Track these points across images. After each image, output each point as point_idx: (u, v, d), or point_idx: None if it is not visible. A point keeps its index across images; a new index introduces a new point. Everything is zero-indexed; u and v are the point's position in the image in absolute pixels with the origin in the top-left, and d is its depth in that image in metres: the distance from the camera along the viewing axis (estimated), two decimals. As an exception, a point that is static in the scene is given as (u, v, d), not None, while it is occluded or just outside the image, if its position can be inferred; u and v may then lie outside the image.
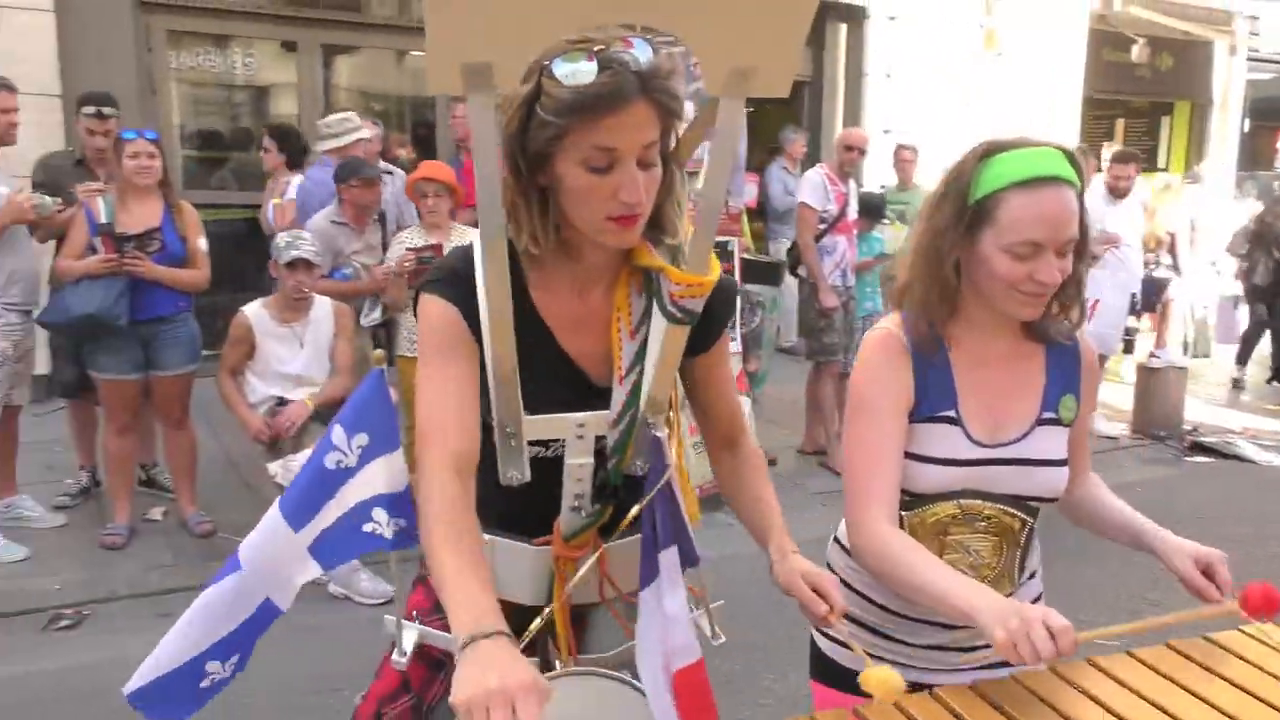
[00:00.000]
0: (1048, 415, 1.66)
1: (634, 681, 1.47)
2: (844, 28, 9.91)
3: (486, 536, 1.52)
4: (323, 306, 4.44)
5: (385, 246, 5.12)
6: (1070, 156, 1.54)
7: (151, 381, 4.52)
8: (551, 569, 1.59)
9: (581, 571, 1.56)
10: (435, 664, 1.65)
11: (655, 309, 1.50)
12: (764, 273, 5.64)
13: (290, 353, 4.35)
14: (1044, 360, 1.69)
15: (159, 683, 1.66)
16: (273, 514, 1.62)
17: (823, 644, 1.81)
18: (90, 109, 4.68)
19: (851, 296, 5.83)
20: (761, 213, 8.56)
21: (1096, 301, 6.52)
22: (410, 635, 1.60)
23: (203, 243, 4.52)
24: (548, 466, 1.53)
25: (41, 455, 5.29)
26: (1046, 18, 10.47)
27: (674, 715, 1.42)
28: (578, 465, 1.54)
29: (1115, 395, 7.40)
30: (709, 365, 1.63)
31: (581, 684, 1.43)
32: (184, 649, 1.66)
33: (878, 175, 8.50)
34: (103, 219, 4.24)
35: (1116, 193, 6.68)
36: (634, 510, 1.52)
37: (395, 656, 1.58)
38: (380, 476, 1.61)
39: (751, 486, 1.67)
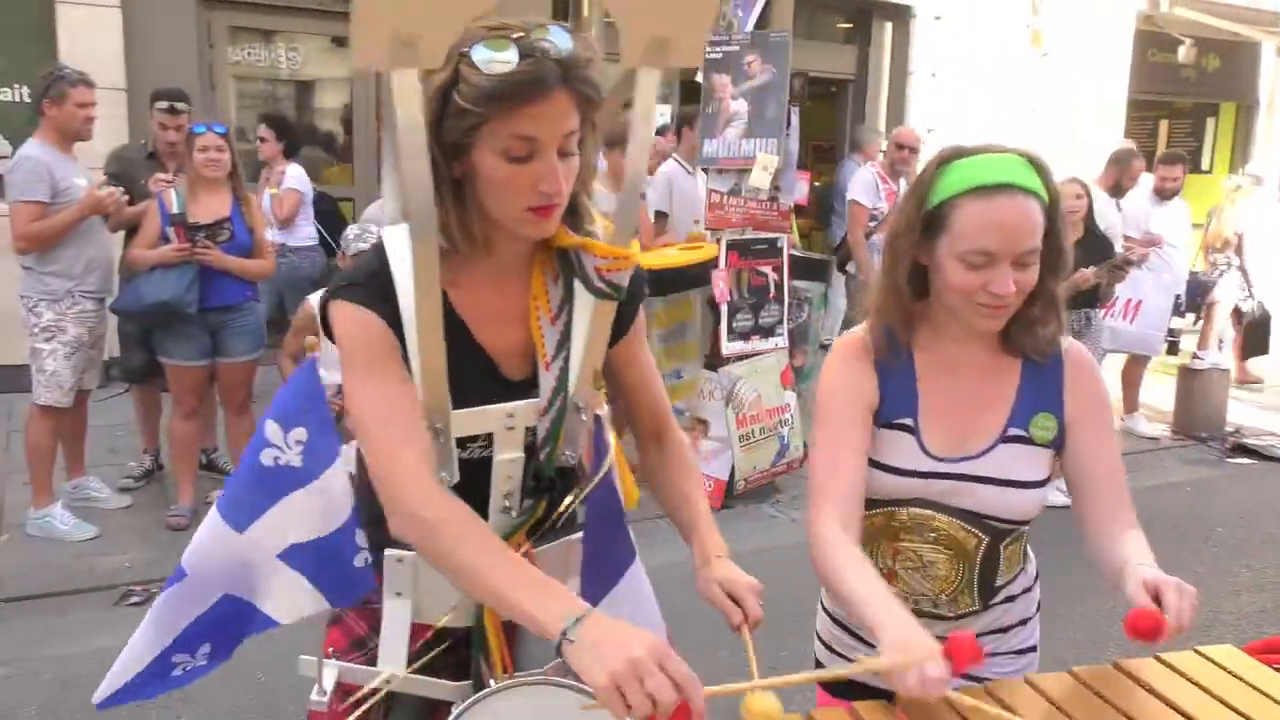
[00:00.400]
0: (1015, 432, 1.59)
1: (584, 686, 1.33)
2: (889, 27, 9.94)
3: (408, 555, 1.49)
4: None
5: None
6: (1036, 165, 1.50)
7: (217, 368, 4.67)
8: None
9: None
10: (356, 702, 1.54)
11: (579, 289, 1.46)
12: (812, 269, 5.70)
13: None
14: (1019, 374, 1.62)
15: (130, 685, 1.62)
16: (212, 515, 1.54)
17: (822, 656, 1.81)
18: (164, 104, 4.85)
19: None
20: (823, 209, 8.62)
21: (1140, 302, 6.55)
22: (330, 674, 1.53)
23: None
24: (474, 469, 1.48)
25: (105, 439, 5.46)
26: (1093, 18, 10.43)
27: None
28: (508, 461, 1.48)
29: (1157, 396, 7.39)
30: (628, 352, 1.59)
31: (531, 694, 1.33)
32: (145, 652, 1.61)
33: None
34: (174, 209, 4.41)
35: (1163, 194, 6.69)
36: (568, 500, 1.48)
37: (314, 696, 1.50)
38: (339, 492, 1.54)
39: (678, 483, 1.61)
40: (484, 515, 1.46)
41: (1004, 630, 1.71)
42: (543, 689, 1.33)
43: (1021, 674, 1.59)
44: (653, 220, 5.61)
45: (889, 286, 1.58)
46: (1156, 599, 1.40)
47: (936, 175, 1.52)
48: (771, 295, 5.31)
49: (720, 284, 5.08)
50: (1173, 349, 8.11)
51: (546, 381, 1.46)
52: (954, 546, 1.60)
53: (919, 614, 1.57)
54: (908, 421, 1.60)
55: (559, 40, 1.29)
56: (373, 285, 1.39)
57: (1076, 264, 5.12)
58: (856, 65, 9.93)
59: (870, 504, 1.61)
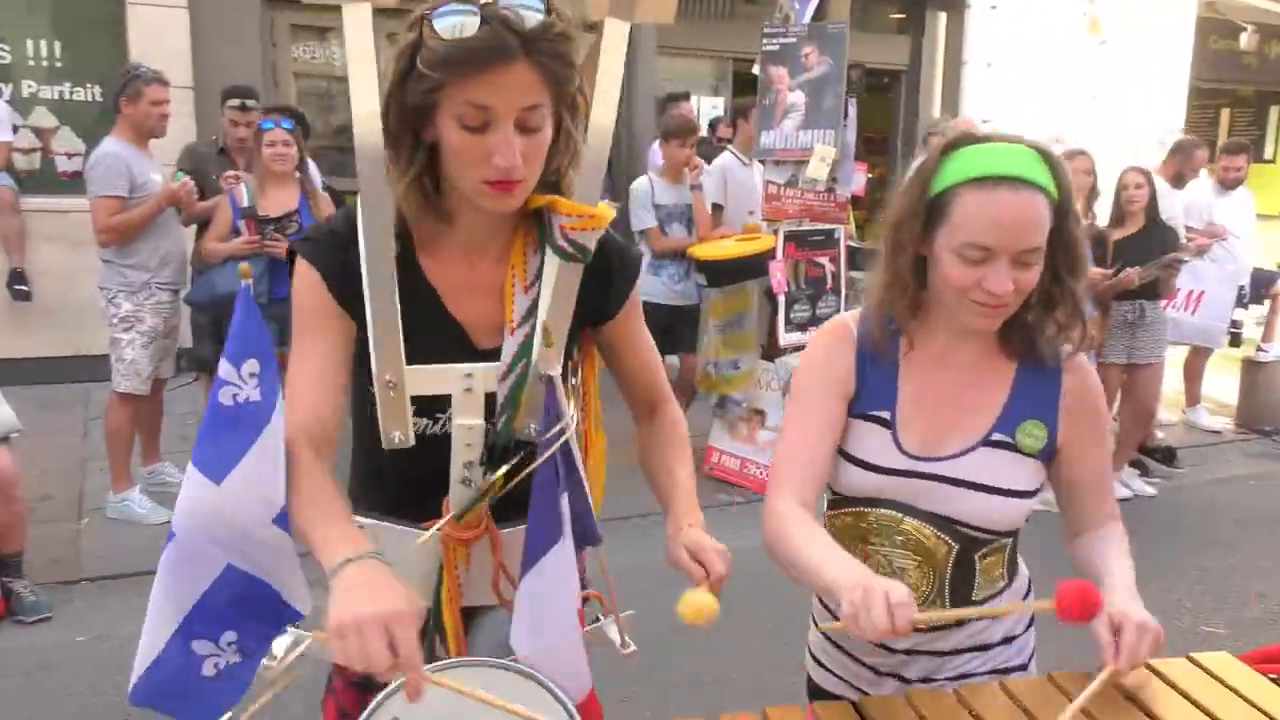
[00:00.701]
0: (998, 437, 1.51)
1: (526, 667, 1.33)
2: (944, 16, 9.86)
3: (369, 522, 1.48)
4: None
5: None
6: (1047, 159, 1.42)
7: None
8: (441, 560, 1.49)
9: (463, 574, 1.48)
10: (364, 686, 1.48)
11: (548, 251, 1.44)
12: (870, 260, 5.69)
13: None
14: (1012, 378, 1.54)
15: (156, 676, 1.47)
16: (189, 470, 1.44)
17: (814, 674, 1.75)
18: (235, 102, 4.99)
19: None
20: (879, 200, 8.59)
21: (1202, 293, 6.46)
22: (284, 641, 1.43)
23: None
24: (435, 443, 1.46)
25: (176, 426, 5.61)
26: (1153, 5, 10.27)
27: (585, 671, 1.38)
28: (467, 427, 1.45)
29: (1220, 389, 7.28)
30: (620, 332, 1.57)
31: (472, 675, 1.29)
32: (160, 630, 1.47)
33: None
34: (245, 203, 4.55)
35: (1226, 184, 6.59)
36: (526, 470, 1.43)
37: (264, 660, 1.42)
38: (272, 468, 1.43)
39: (663, 457, 1.58)
40: (444, 489, 1.47)
41: (985, 648, 1.62)
42: (495, 671, 1.31)
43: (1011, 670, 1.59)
44: (709, 212, 5.64)
45: (892, 275, 1.50)
46: (1117, 634, 1.36)
47: (941, 162, 1.44)
48: (829, 286, 5.33)
49: (777, 275, 5.10)
50: (1235, 341, 7.98)
51: (509, 347, 1.44)
52: (922, 553, 1.52)
53: None
54: (884, 415, 1.53)
55: (527, 10, 1.25)
56: (326, 242, 1.41)
57: (1139, 253, 5.13)
58: (910, 56, 9.87)
59: (841, 502, 1.58)
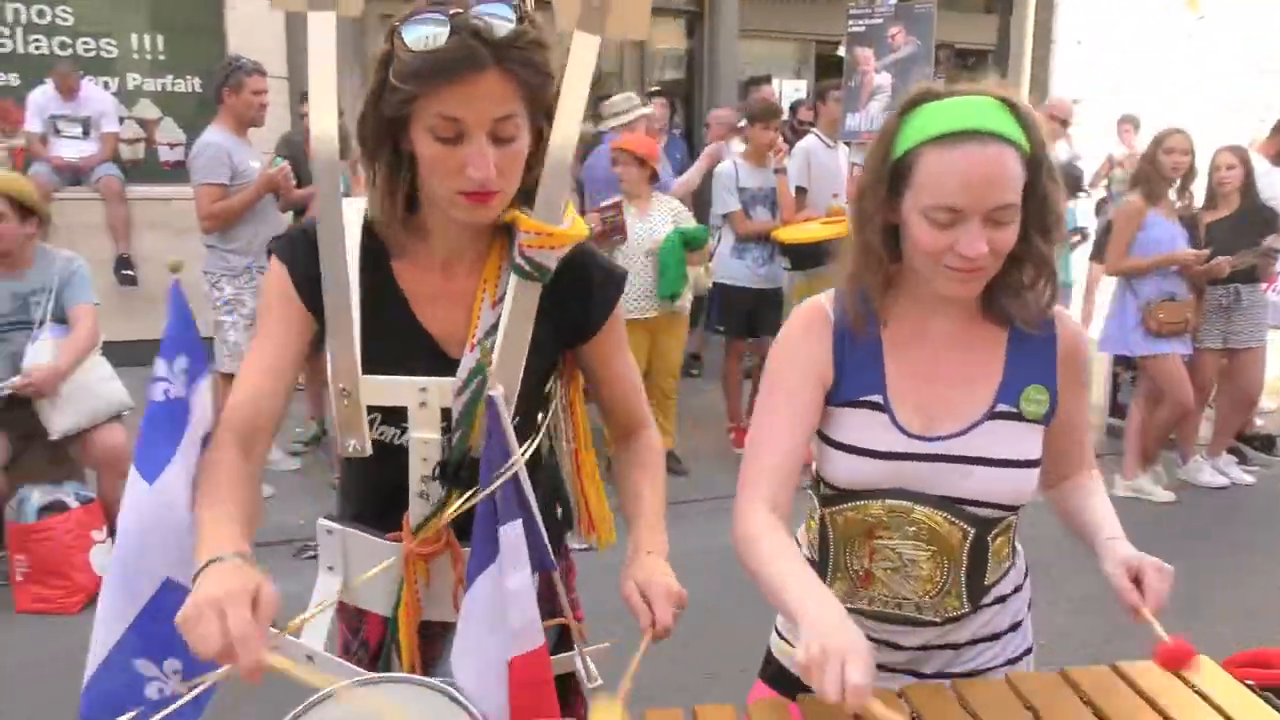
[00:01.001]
0: (1003, 408, 1.43)
1: (451, 689, 1.26)
2: (1032, -6, 9.66)
3: (336, 528, 1.48)
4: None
5: (583, 212, 5.41)
6: (1015, 110, 1.32)
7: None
8: (401, 574, 1.47)
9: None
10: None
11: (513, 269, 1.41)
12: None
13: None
14: (1005, 346, 1.46)
15: (101, 688, 1.40)
16: (130, 471, 1.39)
17: (776, 647, 1.65)
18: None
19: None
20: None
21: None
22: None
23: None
24: (396, 453, 1.45)
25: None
26: (1254, -23, 9.90)
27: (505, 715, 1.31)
28: (423, 440, 1.43)
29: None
30: (599, 353, 1.52)
31: (396, 691, 1.25)
32: (103, 641, 1.41)
33: (1099, 146, 8.25)
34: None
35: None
36: (464, 498, 1.41)
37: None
38: (201, 418, 1.42)
39: (634, 482, 1.55)
40: (404, 502, 1.46)
41: (996, 637, 1.54)
42: (414, 689, 1.24)
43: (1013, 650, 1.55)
44: (793, 195, 5.63)
45: (861, 248, 1.42)
46: (1137, 580, 1.34)
47: (901, 122, 1.35)
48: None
49: (862, 258, 5.06)
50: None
51: (467, 362, 1.41)
52: (936, 542, 1.43)
53: (901, 620, 1.48)
54: (876, 399, 1.44)
55: (497, 19, 1.23)
56: (300, 241, 1.40)
57: (1233, 236, 4.98)
58: (999, 35, 9.68)
59: (838, 498, 1.48)
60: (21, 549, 3.73)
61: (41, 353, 3.72)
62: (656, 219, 4.98)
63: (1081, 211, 6.17)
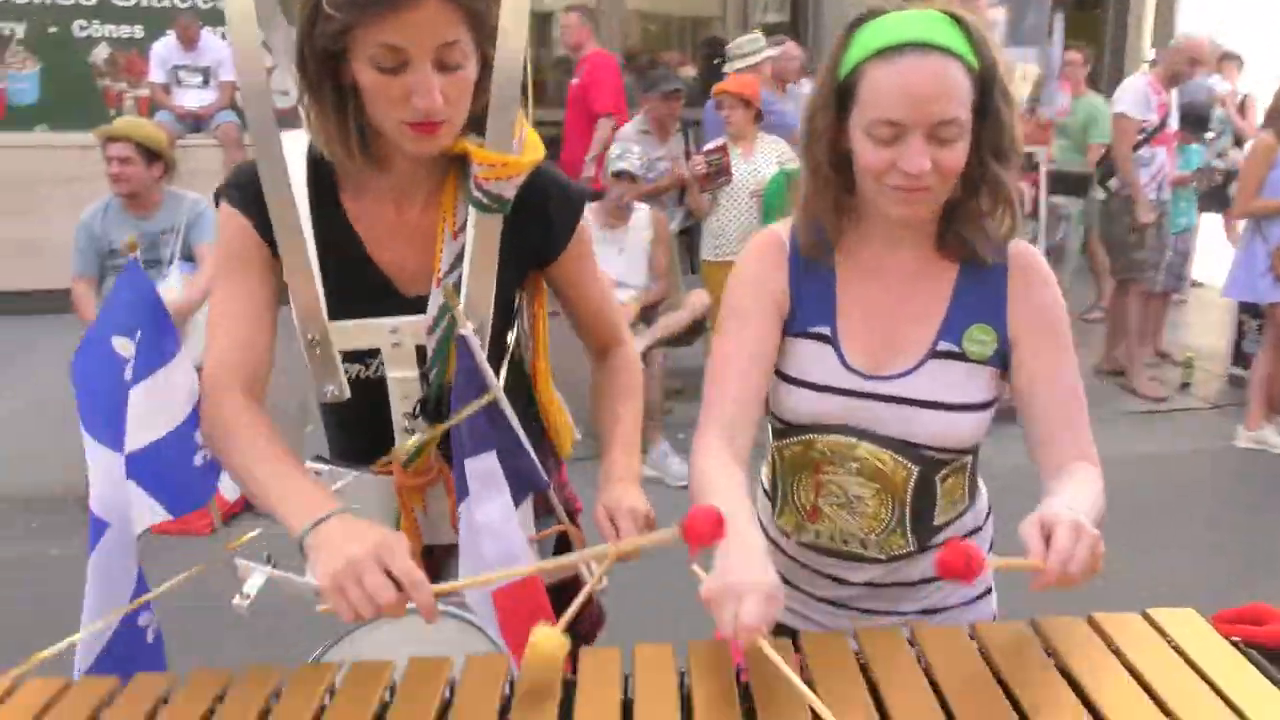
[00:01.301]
0: (945, 346, 1.38)
1: (467, 615, 1.35)
2: (1159, -73, 9.17)
3: (324, 467, 1.48)
4: (642, 215, 4.77)
5: (689, 155, 5.41)
6: (962, 25, 1.28)
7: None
8: (397, 505, 1.49)
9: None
10: None
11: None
12: (1071, 184, 5.44)
13: (610, 257, 4.71)
14: (954, 281, 1.40)
15: (111, 652, 1.45)
16: (91, 450, 1.41)
17: None
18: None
19: (1165, 212, 5.54)
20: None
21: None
22: (258, 579, 1.41)
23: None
24: (372, 388, 1.44)
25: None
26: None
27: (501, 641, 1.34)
28: (401, 380, 1.43)
29: None
30: (567, 272, 1.51)
31: (400, 624, 1.27)
32: (107, 609, 1.44)
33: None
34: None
35: None
36: (442, 426, 1.41)
37: (235, 600, 1.37)
38: (181, 389, 1.44)
39: (611, 401, 1.55)
40: (390, 432, 1.46)
41: None
42: (413, 618, 1.25)
43: (979, 613, 1.40)
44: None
45: (812, 170, 1.39)
46: (1048, 539, 1.15)
47: (847, 41, 1.32)
48: (1027, 211, 5.14)
49: (973, 199, 4.96)
50: None
51: (435, 298, 1.39)
52: (880, 479, 1.40)
53: (847, 556, 1.47)
54: (824, 331, 1.41)
55: None
56: (249, 188, 1.36)
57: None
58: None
59: (787, 431, 1.46)
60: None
61: (170, 289, 3.90)
62: (761, 160, 4.95)
63: (1207, 155, 5.89)
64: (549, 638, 1.12)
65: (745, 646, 1.06)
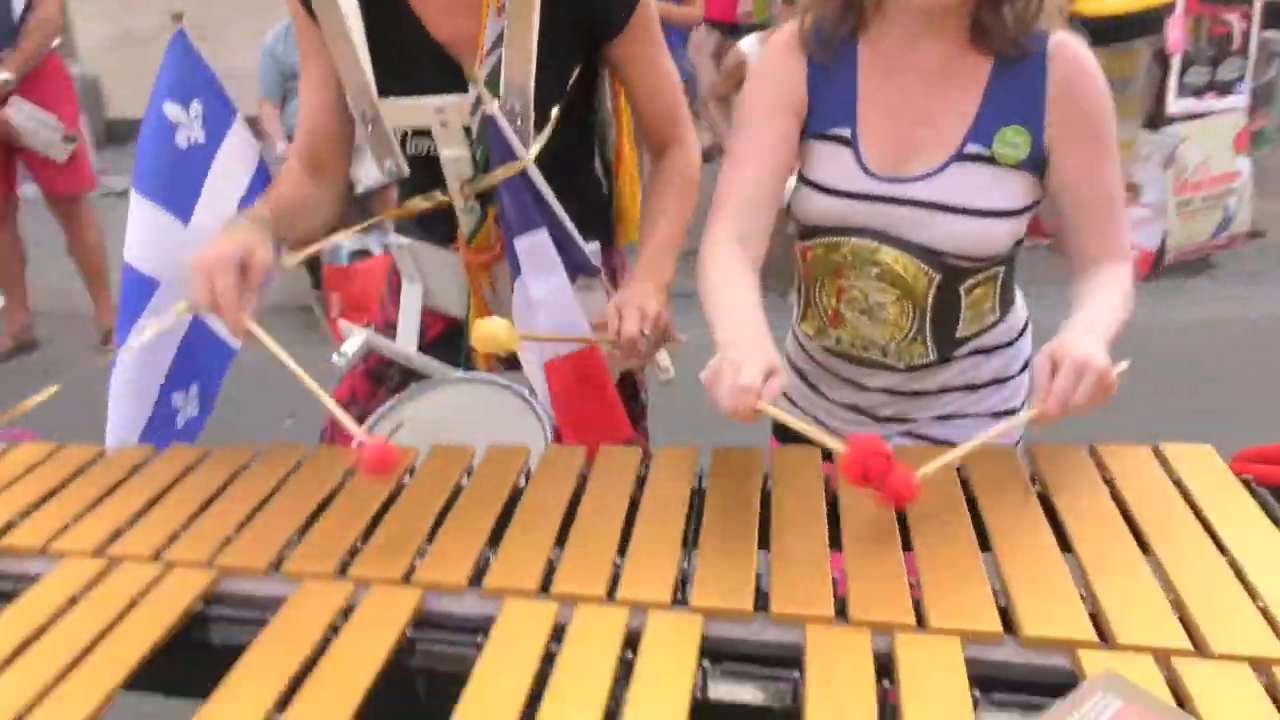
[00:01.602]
0: (972, 149, 1.28)
1: (522, 391, 1.41)
2: None
3: (404, 240, 1.57)
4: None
5: None
6: None
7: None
8: (466, 283, 1.55)
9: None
10: (377, 378, 1.63)
11: None
12: (1289, 17, 4.93)
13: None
14: (986, 78, 1.28)
15: (130, 414, 1.56)
16: (144, 210, 1.45)
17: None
18: None
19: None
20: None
21: None
22: (356, 340, 1.55)
23: None
24: (432, 166, 1.46)
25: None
26: None
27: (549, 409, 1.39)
28: (453, 158, 1.44)
29: None
30: (626, 54, 1.45)
31: (470, 390, 1.35)
32: (146, 395, 1.54)
33: None
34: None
35: None
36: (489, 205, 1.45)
37: (334, 357, 1.54)
38: (241, 158, 1.50)
39: (658, 199, 1.51)
40: (454, 216, 1.50)
41: (972, 388, 1.45)
42: (486, 387, 1.35)
43: (1001, 440, 1.23)
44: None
45: None
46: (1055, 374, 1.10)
47: None
48: (1236, 47, 4.70)
49: (1175, 32, 4.57)
50: None
51: (479, 76, 1.39)
52: (900, 285, 1.34)
53: (868, 363, 1.44)
54: (844, 132, 1.33)
55: None
56: None
57: None
58: None
59: (810, 233, 1.39)
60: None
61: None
62: None
63: None
64: (495, 322, 1.25)
65: (744, 411, 1.03)
